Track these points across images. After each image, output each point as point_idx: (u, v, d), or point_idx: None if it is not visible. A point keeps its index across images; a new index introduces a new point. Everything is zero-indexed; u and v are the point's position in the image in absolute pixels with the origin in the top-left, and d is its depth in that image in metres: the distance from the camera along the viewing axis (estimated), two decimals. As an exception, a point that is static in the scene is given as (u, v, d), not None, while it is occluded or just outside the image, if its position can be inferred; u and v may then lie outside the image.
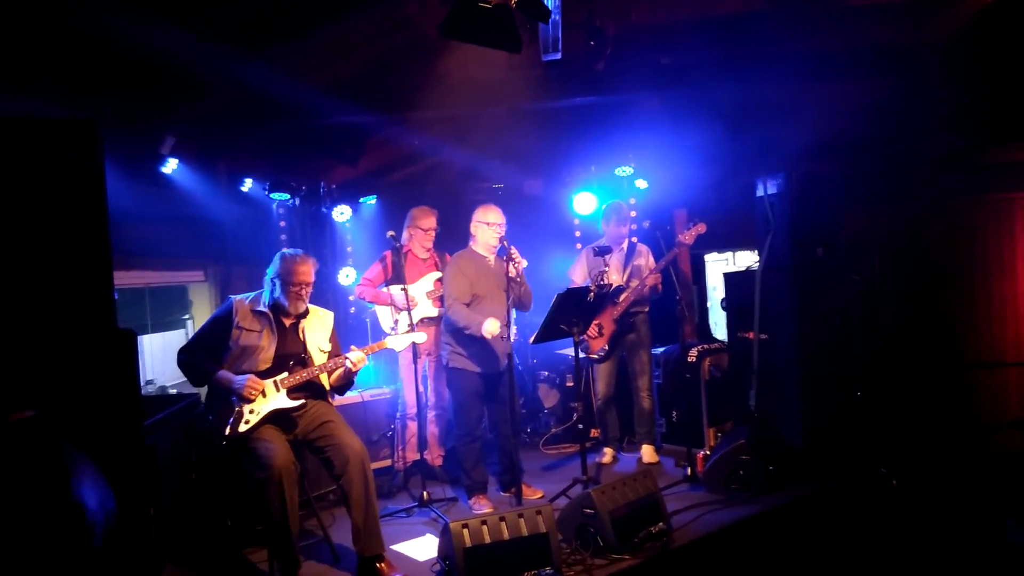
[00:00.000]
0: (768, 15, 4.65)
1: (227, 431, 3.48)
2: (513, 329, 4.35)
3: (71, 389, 2.25)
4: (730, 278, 5.56)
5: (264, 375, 3.59)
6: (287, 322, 3.74)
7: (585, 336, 5.09)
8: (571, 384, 5.96)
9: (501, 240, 4.47)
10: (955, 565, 4.25)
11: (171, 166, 5.12)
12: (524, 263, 4.39)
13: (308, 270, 3.71)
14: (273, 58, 4.35)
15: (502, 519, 3.42)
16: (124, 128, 4.66)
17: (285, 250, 3.77)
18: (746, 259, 7.08)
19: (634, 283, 5.16)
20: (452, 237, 5.12)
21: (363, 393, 5.10)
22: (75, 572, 1.98)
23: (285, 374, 3.62)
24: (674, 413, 5.48)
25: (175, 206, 5.33)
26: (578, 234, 6.77)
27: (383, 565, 3.59)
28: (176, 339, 6.19)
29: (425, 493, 4.48)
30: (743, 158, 5.90)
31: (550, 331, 4.29)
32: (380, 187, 6.58)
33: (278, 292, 3.67)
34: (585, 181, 6.57)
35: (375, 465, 4.25)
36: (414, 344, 4.53)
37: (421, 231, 5.00)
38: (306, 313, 3.80)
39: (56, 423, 2.11)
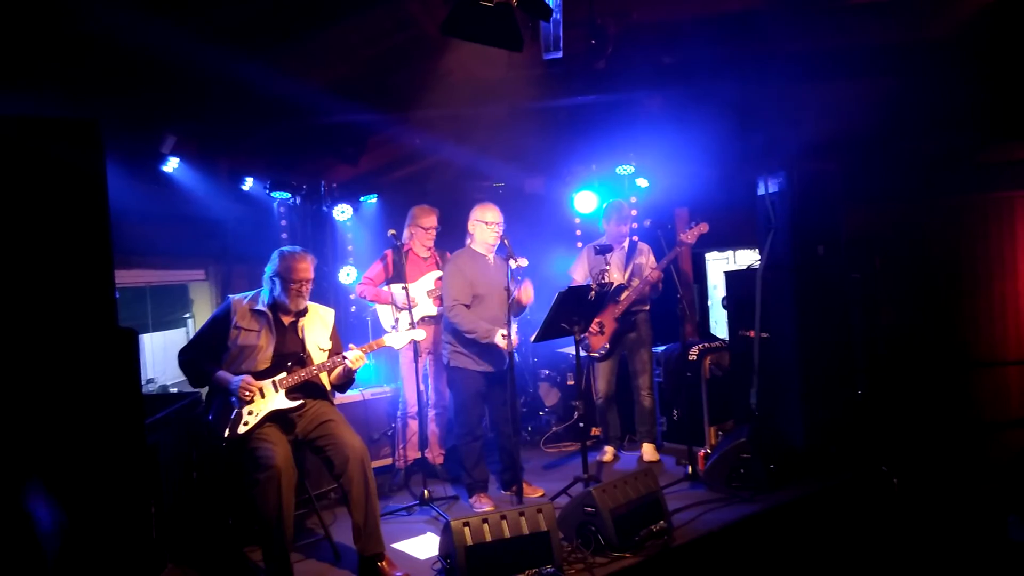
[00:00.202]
0: (769, 14, 4.64)
1: (226, 433, 3.48)
2: (514, 327, 4.35)
3: (72, 388, 2.25)
4: (731, 277, 5.56)
5: (263, 375, 3.59)
6: (286, 321, 3.73)
7: (586, 334, 5.09)
8: (572, 383, 5.96)
9: (501, 239, 4.47)
10: (956, 563, 4.25)
11: (172, 165, 5.13)
12: (524, 262, 4.39)
13: (307, 267, 3.70)
14: (274, 57, 4.35)
15: (503, 517, 3.42)
16: (125, 127, 4.66)
17: (283, 248, 3.76)
18: (747, 258, 7.08)
19: (635, 282, 5.16)
20: (453, 236, 5.12)
21: (364, 392, 5.11)
22: None
23: (283, 374, 3.62)
24: (675, 411, 5.48)
25: (176, 205, 5.34)
26: (579, 233, 6.77)
27: (384, 564, 3.59)
28: (177, 338, 6.20)
29: (426, 492, 4.48)
30: (744, 156, 5.90)
31: (551, 329, 4.29)
32: (381, 186, 6.58)
33: (278, 290, 3.67)
34: (586, 180, 6.56)
35: (376, 464, 4.25)
36: (415, 343, 4.53)
37: (422, 230, 5.00)
38: (305, 311, 3.79)
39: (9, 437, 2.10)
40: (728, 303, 5.49)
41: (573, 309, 4.28)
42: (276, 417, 3.58)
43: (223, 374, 3.55)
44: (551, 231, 6.66)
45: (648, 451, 5.31)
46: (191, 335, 6.20)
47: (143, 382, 5.11)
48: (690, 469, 4.78)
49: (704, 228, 5.00)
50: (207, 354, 3.63)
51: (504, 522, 3.41)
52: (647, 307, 5.29)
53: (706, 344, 5.42)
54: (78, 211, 2.30)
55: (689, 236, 4.99)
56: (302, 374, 3.63)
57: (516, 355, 4.52)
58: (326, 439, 3.62)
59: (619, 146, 6.33)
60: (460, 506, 4.59)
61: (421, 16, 4.41)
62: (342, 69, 4.93)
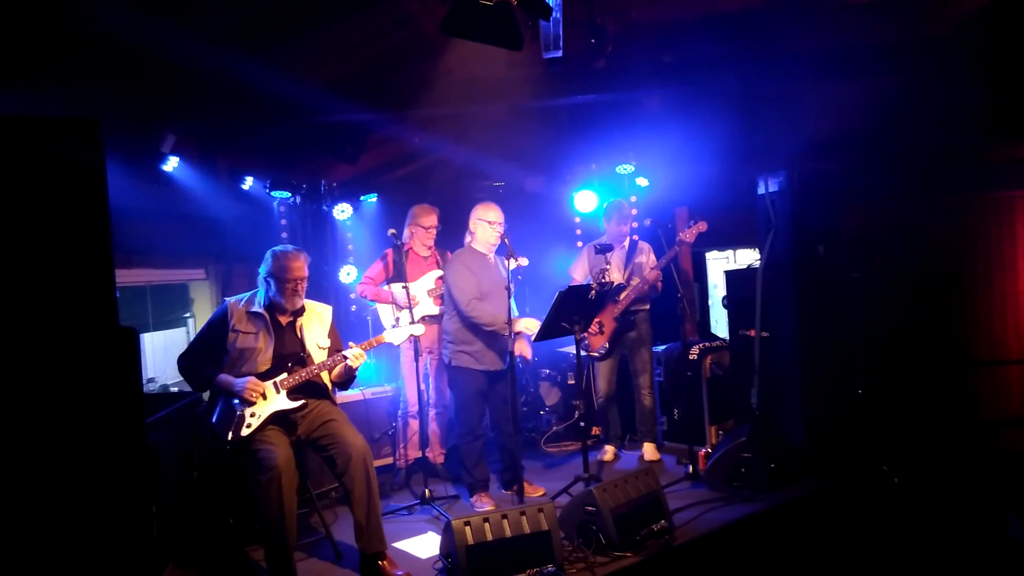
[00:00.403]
0: (769, 13, 4.65)
1: (230, 436, 3.48)
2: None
3: (73, 387, 2.25)
4: (731, 276, 5.56)
5: (264, 377, 3.58)
6: (283, 321, 3.73)
7: (585, 335, 5.09)
8: (572, 382, 5.96)
9: (501, 238, 4.46)
10: (957, 562, 4.25)
11: (172, 164, 5.12)
12: (525, 261, 4.39)
13: (301, 265, 3.69)
14: (274, 56, 4.35)
15: (504, 517, 3.42)
16: (125, 126, 4.66)
17: (275, 248, 3.75)
18: (747, 257, 7.08)
19: (635, 281, 5.16)
20: (453, 235, 5.12)
21: (365, 391, 5.11)
22: None
23: (284, 375, 3.61)
24: (675, 411, 5.48)
25: (176, 204, 5.34)
26: (579, 232, 6.76)
27: (385, 563, 3.59)
28: (177, 337, 6.20)
29: (427, 491, 4.48)
30: (744, 155, 5.90)
31: (551, 329, 4.29)
32: (381, 185, 6.58)
33: (273, 291, 3.66)
34: (586, 179, 6.56)
35: (377, 463, 4.25)
36: (415, 342, 4.54)
37: (422, 229, 5.00)
38: (303, 310, 3.79)
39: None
40: (728, 302, 5.49)
41: (573, 308, 4.28)
42: (278, 418, 3.58)
43: (225, 377, 3.55)
44: (551, 230, 6.66)
45: (649, 450, 5.31)
46: (191, 334, 6.21)
47: (143, 381, 5.11)
48: (691, 468, 4.78)
49: (703, 226, 5.00)
50: (207, 358, 3.62)
51: (505, 521, 3.41)
52: (647, 306, 5.28)
53: (707, 343, 5.42)
54: (78, 210, 2.29)
55: (688, 235, 4.99)
56: (303, 374, 3.62)
57: (517, 356, 4.52)
58: (329, 438, 3.62)
59: (619, 145, 6.33)
60: (461, 505, 4.59)
61: (421, 15, 4.41)
62: (342, 68, 4.93)
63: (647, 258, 5.28)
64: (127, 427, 2.37)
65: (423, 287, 4.99)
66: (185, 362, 3.64)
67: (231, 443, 3.48)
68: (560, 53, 4.24)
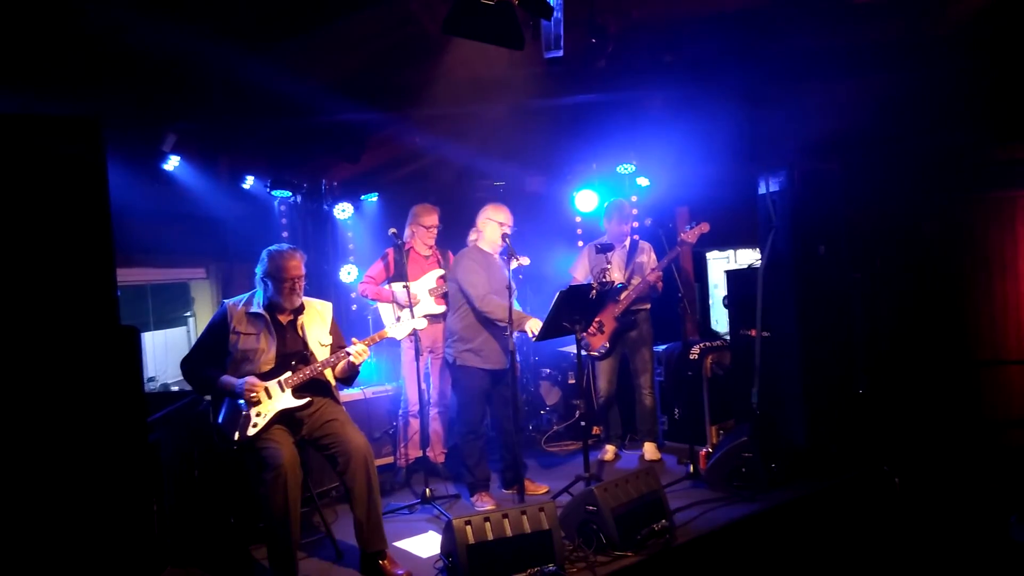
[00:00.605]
0: (769, 12, 4.64)
1: (236, 436, 3.48)
2: (515, 335, 4.35)
3: (74, 386, 2.25)
4: (732, 276, 5.56)
5: (268, 376, 3.58)
6: (284, 320, 3.73)
7: (585, 334, 5.08)
8: (573, 381, 5.96)
9: (505, 239, 4.47)
10: (958, 563, 4.24)
11: (173, 163, 5.13)
12: (526, 261, 4.39)
13: (297, 264, 3.69)
14: (274, 55, 4.36)
15: (505, 516, 3.42)
16: (126, 125, 4.67)
17: (271, 247, 3.74)
18: (748, 257, 7.08)
19: (636, 280, 5.16)
20: (454, 235, 5.12)
21: (365, 390, 5.11)
22: None
23: (289, 373, 3.62)
24: (676, 410, 5.48)
25: (177, 203, 5.34)
26: (580, 232, 6.77)
27: (386, 562, 3.59)
28: (178, 336, 6.20)
29: (428, 490, 4.48)
30: (745, 155, 5.89)
31: (552, 328, 4.29)
32: (382, 184, 6.58)
33: (271, 291, 3.66)
34: (587, 178, 6.56)
35: (378, 462, 4.24)
36: (416, 342, 4.54)
37: (423, 228, 5.00)
38: (302, 308, 3.79)
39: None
40: (729, 302, 5.49)
41: (574, 308, 4.28)
42: (283, 417, 3.58)
43: (227, 378, 3.55)
44: (552, 230, 6.66)
45: (649, 450, 5.31)
46: (192, 334, 6.21)
47: (144, 380, 5.11)
48: (691, 468, 4.78)
49: (705, 228, 5.00)
50: (209, 361, 3.62)
51: (506, 520, 3.40)
52: (648, 306, 5.28)
53: (707, 343, 5.42)
54: (79, 209, 2.30)
55: (690, 235, 4.99)
56: (307, 372, 3.62)
57: (518, 353, 4.52)
58: (330, 437, 3.63)
59: (620, 145, 6.33)
60: (462, 504, 4.59)
61: (422, 14, 4.40)
62: (343, 67, 4.93)
63: (648, 258, 5.28)
64: (128, 426, 2.37)
65: (424, 286, 4.99)
66: (188, 366, 3.64)
67: (238, 443, 3.48)
68: (561, 53, 4.24)
